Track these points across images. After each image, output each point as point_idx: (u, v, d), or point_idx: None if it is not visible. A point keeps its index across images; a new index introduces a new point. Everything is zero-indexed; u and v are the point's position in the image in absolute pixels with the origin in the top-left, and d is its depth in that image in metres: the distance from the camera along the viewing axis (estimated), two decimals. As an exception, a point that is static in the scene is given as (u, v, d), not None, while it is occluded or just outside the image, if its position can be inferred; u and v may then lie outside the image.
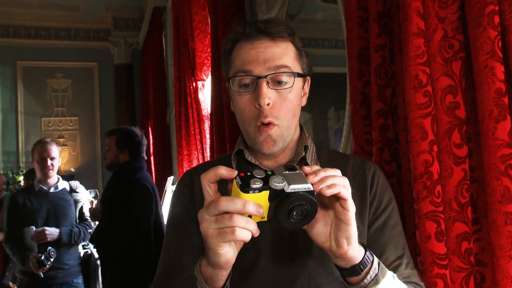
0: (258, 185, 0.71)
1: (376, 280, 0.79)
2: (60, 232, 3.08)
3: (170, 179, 4.01)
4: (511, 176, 0.98)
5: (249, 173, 0.73)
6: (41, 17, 6.87)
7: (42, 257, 2.91)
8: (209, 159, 3.55)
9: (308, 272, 0.95)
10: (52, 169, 3.19)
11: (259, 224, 0.81)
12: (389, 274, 0.83)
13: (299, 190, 0.71)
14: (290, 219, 0.72)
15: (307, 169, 0.75)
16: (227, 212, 0.70)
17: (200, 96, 3.79)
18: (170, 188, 3.92)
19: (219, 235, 0.71)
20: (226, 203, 0.70)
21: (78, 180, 3.55)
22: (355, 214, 0.83)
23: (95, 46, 7.19)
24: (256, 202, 0.71)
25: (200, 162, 3.76)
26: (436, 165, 1.07)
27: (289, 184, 0.71)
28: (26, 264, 2.97)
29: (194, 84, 3.81)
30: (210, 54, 3.50)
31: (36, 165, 3.18)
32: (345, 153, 1.19)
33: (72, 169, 6.77)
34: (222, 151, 2.84)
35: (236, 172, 0.74)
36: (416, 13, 1.10)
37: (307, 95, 1.09)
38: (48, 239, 3.01)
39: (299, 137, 1.08)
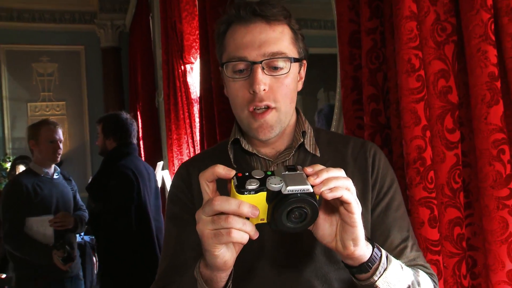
0: (254, 186, 0.69)
1: (385, 274, 0.78)
2: (75, 220, 2.91)
3: (160, 164, 3.99)
4: (504, 161, 0.98)
5: (247, 173, 0.71)
6: (23, -1, 6.69)
7: (67, 250, 2.70)
8: (198, 143, 3.52)
9: (314, 262, 0.94)
10: (60, 153, 2.98)
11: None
12: (397, 265, 0.82)
13: (297, 191, 0.68)
14: (289, 221, 0.70)
15: (308, 170, 0.72)
16: (223, 213, 0.68)
17: (189, 79, 3.74)
18: (160, 173, 3.90)
19: (215, 236, 0.69)
20: (220, 203, 0.68)
21: (68, 166, 3.45)
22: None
23: (81, 29, 7.03)
24: (253, 204, 0.69)
25: (190, 146, 3.72)
26: (429, 151, 1.06)
27: (286, 185, 0.68)
28: (47, 259, 2.68)
29: (182, 67, 3.75)
30: (198, 36, 3.44)
31: (44, 147, 2.87)
32: (344, 135, 1.17)
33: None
34: (211, 136, 2.81)
35: (233, 172, 0.71)
36: (408, -5, 1.07)
37: (303, 79, 1.06)
38: (69, 226, 2.83)
39: (296, 122, 1.06)
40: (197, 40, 3.51)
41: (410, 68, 1.07)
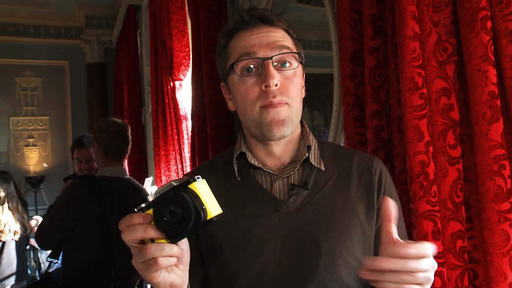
0: (143, 206, 0.76)
1: None
2: None
3: (149, 180, 3.95)
4: (504, 176, 1.02)
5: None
6: (7, 13, 6.59)
7: None
8: (187, 160, 3.52)
9: (317, 279, 0.93)
10: None
11: (265, 233, 0.87)
12: None
13: (158, 194, 0.74)
14: (171, 226, 0.73)
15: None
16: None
17: (177, 96, 3.75)
18: (149, 188, 3.86)
19: (146, 268, 0.74)
20: (129, 232, 0.75)
21: (50, 182, 3.36)
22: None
23: (67, 44, 6.99)
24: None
25: (178, 162, 3.71)
26: (432, 166, 1.09)
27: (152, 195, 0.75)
28: None
29: (171, 83, 3.77)
30: (188, 53, 3.48)
31: None
32: (349, 148, 1.18)
33: (45, 164, 6.58)
34: (203, 152, 2.82)
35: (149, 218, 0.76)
36: (412, 17, 1.12)
37: (304, 88, 1.07)
38: None
39: (300, 134, 1.05)
40: (186, 57, 3.54)
41: (413, 86, 1.11)
